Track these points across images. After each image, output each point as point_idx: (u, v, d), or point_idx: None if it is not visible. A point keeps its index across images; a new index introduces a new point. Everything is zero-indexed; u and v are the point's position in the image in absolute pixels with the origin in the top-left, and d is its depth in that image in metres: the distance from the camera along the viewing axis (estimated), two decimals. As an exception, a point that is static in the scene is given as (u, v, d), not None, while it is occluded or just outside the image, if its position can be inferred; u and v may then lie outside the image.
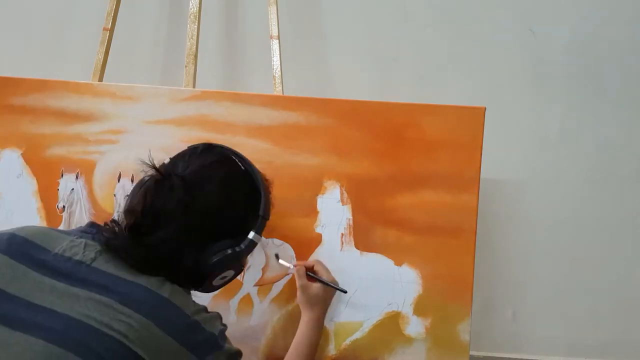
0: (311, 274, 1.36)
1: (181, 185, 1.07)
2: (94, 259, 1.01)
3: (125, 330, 0.93)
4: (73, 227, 1.45)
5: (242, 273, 1.42)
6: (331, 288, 1.35)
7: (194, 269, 1.08)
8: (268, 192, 1.21)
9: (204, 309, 1.06)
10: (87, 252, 1.01)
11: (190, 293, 1.10)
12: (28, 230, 1.04)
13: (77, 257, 1.00)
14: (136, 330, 0.94)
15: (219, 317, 1.08)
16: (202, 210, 1.08)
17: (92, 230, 1.07)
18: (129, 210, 1.08)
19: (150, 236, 1.04)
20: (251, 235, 1.15)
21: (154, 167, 1.09)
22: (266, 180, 1.22)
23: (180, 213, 1.06)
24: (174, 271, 1.04)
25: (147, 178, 1.09)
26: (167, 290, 1.01)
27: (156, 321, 0.96)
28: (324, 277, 1.35)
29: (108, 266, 1.00)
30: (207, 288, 1.15)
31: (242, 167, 1.18)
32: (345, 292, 1.36)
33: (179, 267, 1.06)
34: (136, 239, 1.04)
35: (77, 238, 1.04)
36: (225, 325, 1.09)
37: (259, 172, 1.21)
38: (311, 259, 1.41)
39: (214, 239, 1.10)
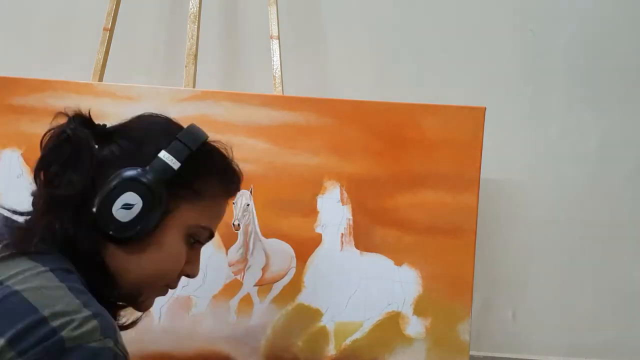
0: None
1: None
2: None
3: None
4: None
5: (242, 274, 1.42)
6: None
7: (81, 201, 0.90)
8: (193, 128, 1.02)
9: (85, 312, 0.80)
10: None
11: (84, 291, 0.85)
12: None
13: None
14: None
15: (100, 329, 0.79)
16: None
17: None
18: None
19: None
20: (162, 154, 0.94)
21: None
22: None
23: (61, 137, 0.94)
24: (61, 222, 0.89)
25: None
26: (32, 283, 0.82)
27: None
28: None
29: None
30: (113, 226, 0.91)
31: None
32: None
33: (62, 211, 0.90)
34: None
35: None
36: (108, 349, 0.79)
37: None
38: (310, 260, 1.41)
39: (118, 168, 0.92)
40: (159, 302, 1.42)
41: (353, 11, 1.78)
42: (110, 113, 1.48)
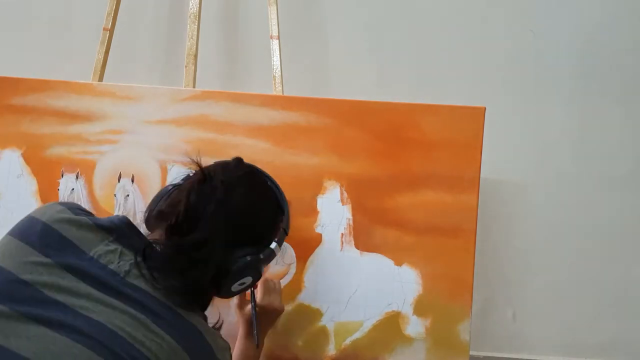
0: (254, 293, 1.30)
1: (222, 187, 1.10)
2: (127, 272, 1.00)
3: (156, 350, 0.96)
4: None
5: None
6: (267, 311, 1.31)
7: (218, 271, 1.09)
8: (288, 209, 1.25)
9: (228, 347, 1.09)
10: (121, 262, 1.01)
11: (206, 317, 1.10)
12: (60, 223, 1.03)
13: (112, 267, 1.00)
14: (165, 352, 0.96)
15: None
16: (236, 212, 1.11)
17: (126, 233, 1.06)
18: (167, 211, 1.09)
19: (188, 236, 1.06)
20: (273, 245, 1.18)
21: (198, 165, 1.12)
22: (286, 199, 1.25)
23: (219, 213, 1.08)
24: (202, 272, 1.05)
25: (188, 177, 1.14)
26: (197, 320, 1.04)
27: (185, 347, 0.99)
28: (258, 302, 1.30)
29: (139, 281, 1.00)
30: (226, 292, 1.16)
31: (269, 182, 1.24)
32: (257, 346, 1.28)
33: (206, 269, 1.06)
34: (174, 241, 1.06)
35: (111, 242, 1.03)
36: None
37: (281, 190, 1.25)
38: (310, 260, 1.41)
39: (240, 243, 1.12)
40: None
41: (353, 11, 1.78)
42: (111, 113, 1.49)
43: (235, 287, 1.14)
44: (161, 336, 0.97)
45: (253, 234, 1.15)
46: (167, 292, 1.01)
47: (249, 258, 1.12)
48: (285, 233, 1.22)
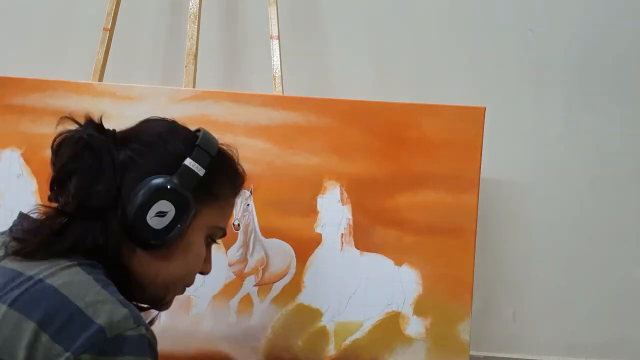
0: None
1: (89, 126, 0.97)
2: (2, 257, 0.91)
3: None
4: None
5: (242, 273, 1.42)
6: None
7: (116, 211, 0.92)
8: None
9: (116, 303, 0.84)
10: (1, 251, 0.92)
11: (113, 285, 0.88)
12: None
13: None
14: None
15: (135, 321, 0.83)
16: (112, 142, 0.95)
17: (16, 222, 0.98)
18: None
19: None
20: (188, 162, 0.96)
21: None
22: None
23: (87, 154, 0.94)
24: (93, 225, 0.91)
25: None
26: (61, 278, 0.85)
27: (29, 315, 0.82)
28: None
29: (6, 261, 0.90)
30: (148, 234, 0.93)
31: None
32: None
33: (95, 216, 0.91)
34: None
35: (0, 235, 0.97)
36: (144, 337, 0.84)
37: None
38: (310, 260, 1.41)
39: (141, 174, 0.94)
40: (159, 302, 1.42)
41: (353, 11, 1.78)
42: (110, 113, 1.48)
43: (154, 221, 0.93)
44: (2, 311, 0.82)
45: (153, 158, 0.96)
46: (21, 255, 0.89)
47: (153, 181, 0.93)
48: (207, 152, 0.99)
